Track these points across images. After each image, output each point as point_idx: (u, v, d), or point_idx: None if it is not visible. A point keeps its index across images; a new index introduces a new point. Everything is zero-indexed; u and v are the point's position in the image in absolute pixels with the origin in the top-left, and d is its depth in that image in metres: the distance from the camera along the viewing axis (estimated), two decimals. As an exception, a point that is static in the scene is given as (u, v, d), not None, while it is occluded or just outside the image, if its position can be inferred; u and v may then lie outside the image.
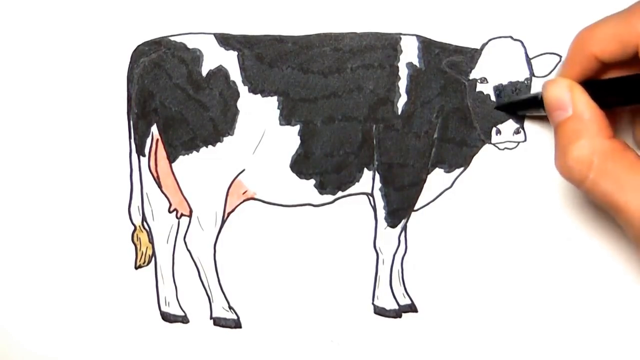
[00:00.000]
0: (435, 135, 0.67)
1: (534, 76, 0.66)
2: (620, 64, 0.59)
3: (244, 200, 0.69)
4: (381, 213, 0.69)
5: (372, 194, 0.69)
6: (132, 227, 0.69)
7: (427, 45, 0.67)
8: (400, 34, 0.67)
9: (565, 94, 0.57)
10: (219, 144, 0.67)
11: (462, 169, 0.68)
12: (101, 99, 0.68)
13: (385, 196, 0.68)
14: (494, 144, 0.67)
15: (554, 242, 0.68)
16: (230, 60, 0.67)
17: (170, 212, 0.70)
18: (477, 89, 0.66)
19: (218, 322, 0.70)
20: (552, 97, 0.58)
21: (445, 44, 0.67)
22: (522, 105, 0.65)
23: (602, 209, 0.56)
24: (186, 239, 0.69)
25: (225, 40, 0.67)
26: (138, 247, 0.70)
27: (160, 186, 0.69)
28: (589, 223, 0.68)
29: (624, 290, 0.68)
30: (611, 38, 0.56)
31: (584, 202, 0.67)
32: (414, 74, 0.67)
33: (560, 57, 0.65)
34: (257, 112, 0.67)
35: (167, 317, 0.70)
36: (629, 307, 0.68)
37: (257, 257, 0.69)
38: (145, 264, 0.70)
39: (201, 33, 0.67)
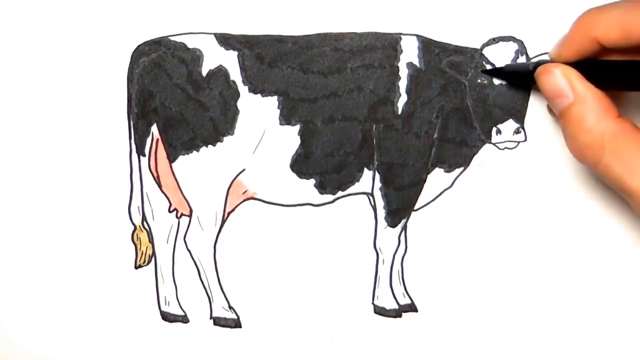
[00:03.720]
0: (435, 135, 0.67)
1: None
2: (621, 50, 0.58)
3: (244, 200, 0.69)
4: (381, 213, 0.69)
5: (372, 194, 0.69)
6: (132, 227, 0.69)
7: (427, 45, 0.67)
8: (400, 34, 0.67)
9: (562, 81, 0.57)
10: (219, 144, 0.67)
11: (462, 169, 0.68)
12: (101, 99, 0.68)
13: (385, 196, 0.68)
14: (494, 144, 0.67)
15: (554, 241, 0.68)
16: (230, 60, 0.67)
17: (170, 212, 0.70)
18: (477, 89, 0.66)
19: (218, 321, 0.70)
20: (549, 85, 0.57)
21: (445, 44, 0.67)
22: (511, 75, 0.64)
23: (614, 190, 0.56)
24: (186, 239, 0.70)
25: (225, 40, 0.67)
26: (138, 246, 0.70)
27: (160, 186, 0.69)
28: (589, 223, 0.68)
29: (624, 292, 0.68)
30: (616, 25, 0.55)
31: (584, 201, 0.67)
32: (414, 74, 0.67)
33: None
34: (257, 112, 0.67)
35: (167, 317, 0.70)
36: (630, 308, 0.68)
37: (257, 257, 0.69)
38: (145, 263, 0.70)
39: (201, 33, 0.67)
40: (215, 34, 0.67)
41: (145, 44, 0.67)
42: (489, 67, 0.65)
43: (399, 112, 0.67)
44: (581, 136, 0.55)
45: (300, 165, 0.68)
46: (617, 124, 0.54)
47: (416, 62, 0.67)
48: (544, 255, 0.68)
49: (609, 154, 0.54)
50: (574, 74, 0.57)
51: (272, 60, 0.67)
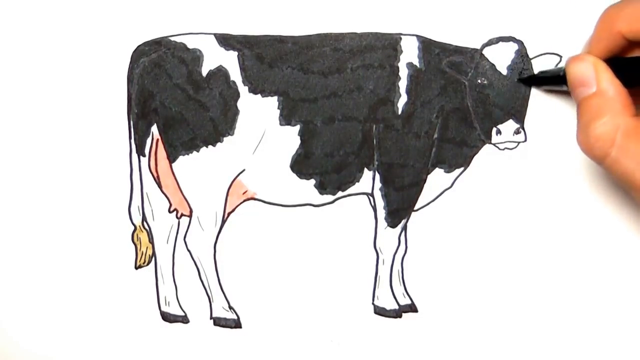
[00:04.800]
0: (435, 135, 0.67)
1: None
2: None
3: (244, 200, 0.69)
4: (381, 213, 0.69)
5: (372, 194, 0.69)
6: (132, 227, 0.69)
7: (427, 45, 0.67)
8: (400, 34, 0.67)
9: (589, 71, 0.57)
10: (219, 144, 0.67)
11: (462, 169, 0.68)
12: (101, 99, 0.68)
13: (385, 196, 0.68)
14: (494, 144, 0.67)
15: (553, 241, 0.68)
16: (230, 61, 0.67)
17: (170, 212, 0.70)
18: (477, 89, 0.66)
19: (218, 322, 0.70)
20: (576, 74, 0.57)
21: (445, 44, 0.67)
22: (545, 80, 0.65)
23: (621, 187, 0.56)
24: (186, 239, 0.70)
25: (225, 40, 0.67)
26: (138, 247, 0.70)
27: (160, 186, 0.69)
28: (589, 223, 0.68)
29: (624, 293, 0.68)
30: (638, 17, 0.56)
31: (584, 202, 0.67)
32: (414, 74, 0.67)
33: (561, 57, 0.65)
34: (257, 112, 0.67)
35: (167, 317, 0.70)
36: (630, 309, 0.68)
37: (257, 257, 0.69)
38: (145, 264, 0.70)
39: (201, 33, 0.67)
40: (215, 34, 0.67)
41: (145, 44, 0.67)
42: (489, 65, 0.66)
43: (399, 112, 0.67)
44: (594, 128, 0.55)
45: (301, 165, 0.68)
46: (632, 122, 0.54)
47: (416, 62, 0.67)
48: (543, 255, 0.68)
49: (619, 149, 0.54)
50: (602, 66, 0.57)
51: (272, 61, 0.67)
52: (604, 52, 0.58)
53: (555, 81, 0.63)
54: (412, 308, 0.69)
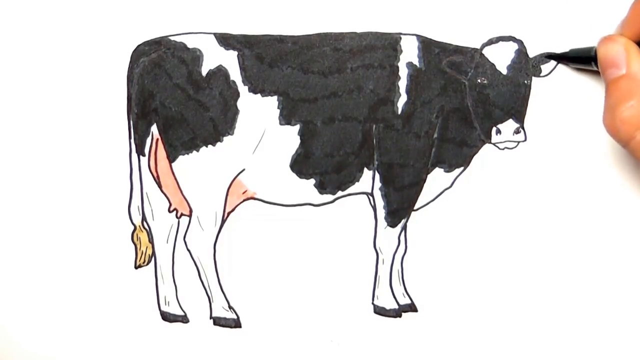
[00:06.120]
0: (435, 135, 0.67)
1: (534, 76, 0.66)
2: None
3: (244, 200, 0.69)
4: (381, 213, 0.69)
5: (372, 194, 0.69)
6: (132, 227, 0.69)
7: (427, 45, 0.67)
8: (400, 34, 0.67)
9: (620, 52, 0.57)
10: (219, 143, 0.67)
11: (462, 169, 0.68)
12: (101, 99, 0.68)
13: (385, 196, 0.68)
14: (494, 144, 0.67)
15: (553, 241, 0.68)
16: (230, 60, 0.67)
17: (170, 211, 0.70)
18: (477, 89, 0.66)
19: (218, 321, 0.70)
20: (607, 54, 0.57)
21: (445, 44, 0.67)
22: (575, 58, 0.64)
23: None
24: (186, 239, 0.70)
25: (225, 40, 0.67)
26: (138, 246, 0.70)
27: (160, 186, 0.69)
28: (589, 223, 0.68)
29: (624, 293, 0.68)
30: None
31: (584, 201, 0.67)
32: (414, 74, 0.67)
33: (560, 57, 0.65)
34: (257, 112, 0.67)
35: (167, 317, 0.70)
36: (630, 310, 0.68)
37: (257, 257, 0.69)
38: (145, 263, 0.70)
39: (201, 33, 0.67)
40: (215, 34, 0.67)
41: (145, 44, 0.67)
42: (489, 65, 0.66)
43: (399, 112, 0.67)
44: (621, 110, 0.55)
45: (300, 165, 0.68)
46: None
47: (416, 62, 0.67)
48: (543, 255, 0.68)
49: None
50: (634, 49, 0.56)
51: (272, 60, 0.67)
52: (637, 34, 0.58)
53: (586, 60, 0.63)
54: (411, 308, 0.69)
